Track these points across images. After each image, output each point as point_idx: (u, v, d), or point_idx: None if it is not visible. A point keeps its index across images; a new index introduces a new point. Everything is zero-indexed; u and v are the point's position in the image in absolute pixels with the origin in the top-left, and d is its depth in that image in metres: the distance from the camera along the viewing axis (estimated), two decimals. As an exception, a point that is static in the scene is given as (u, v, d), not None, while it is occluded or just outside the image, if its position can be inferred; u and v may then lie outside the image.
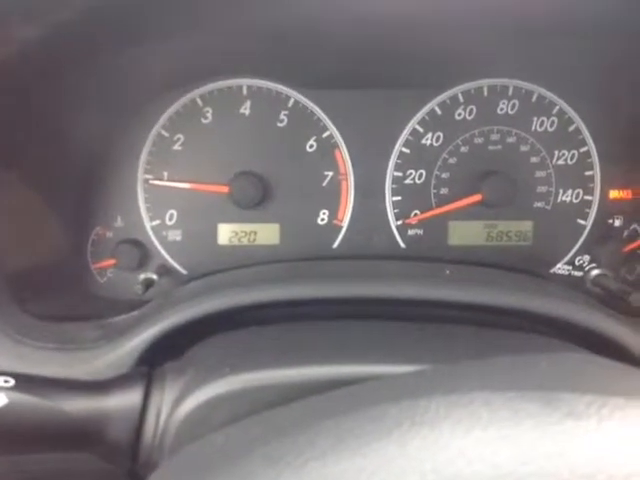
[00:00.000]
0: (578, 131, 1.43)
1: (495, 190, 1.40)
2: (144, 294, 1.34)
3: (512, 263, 1.44)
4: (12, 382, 0.81)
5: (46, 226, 1.29)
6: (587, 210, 1.46)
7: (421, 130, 1.44)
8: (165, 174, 1.43)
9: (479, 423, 0.44)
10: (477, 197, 1.41)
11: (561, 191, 1.45)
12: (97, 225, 1.43)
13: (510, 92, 1.43)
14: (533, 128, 1.43)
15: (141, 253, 1.42)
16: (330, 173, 1.45)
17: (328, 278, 1.08)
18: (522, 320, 0.96)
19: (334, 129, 1.43)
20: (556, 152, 1.44)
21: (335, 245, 1.47)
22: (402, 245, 1.47)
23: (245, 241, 1.46)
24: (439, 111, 1.44)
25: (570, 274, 1.47)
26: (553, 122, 1.43)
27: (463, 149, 1.44)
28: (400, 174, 1.45)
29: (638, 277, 1.46)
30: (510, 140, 1.43)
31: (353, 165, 1.45)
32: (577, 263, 1.47)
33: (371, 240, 1.47)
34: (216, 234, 1.45)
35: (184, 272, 1.46)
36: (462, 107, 1.43)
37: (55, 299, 1.24)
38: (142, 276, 1.42)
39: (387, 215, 1.46)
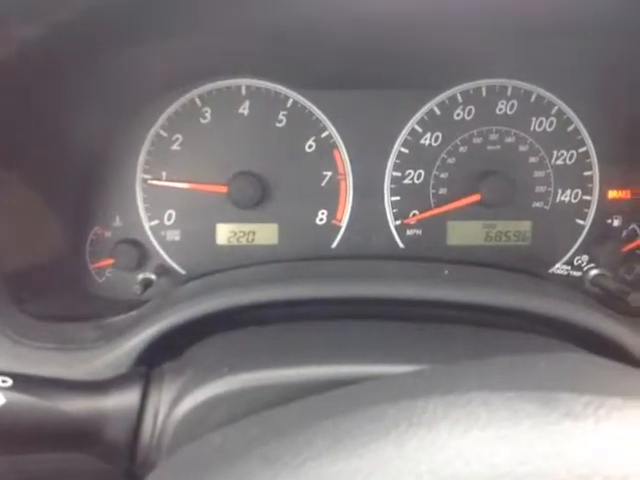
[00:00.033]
0: (577, 131, 1.43)
1: (494, 190, 1.40)
2: (142, 294, 1.34)
3: (511, 263, 1.44)
4: (10, 382, 0.81)
5: (45, 226, 1.29)
6: (586, 210, 1.46)
7: (420, 130, 1.44)
8: (164, 174, 1.43)
9: (477, 423, 0.43)
10: (476, 197, 1.41)
11: (560, 191, 1.45)
12: (96, 225, 1.43)
13: (509, 92, 1.43)
14: (532, 128, 1.43)
15: (140, 253, 1.42)
16: (329, 173, 1.45)
17: (327, 278, 1.08)
18: (521, 320, 0.96)
19: (333, 129, 1.43)
20: (555, 152, 1.44)
21: (334, 245, 1.47)
22: (401, 245, 1.47)
23: (244, 241, 1.46)
24: (438, 111, 1.44)
25: (569, 274, 1.47)
26: (552, 122, 1.43)
27: (462, 149, 1.44)
28: (399, 174, 1.45)
29: (637, 277, 1.46)
30: (509, 140, 1.43)
31: (352, 165, 1.45)
32: (576, 263, 1.47)
33: (370, 240, 1.47)
34: (215, 234, 1.45)
35: (183, 272, 1.46)
36: (461, 107, 1.43)
37: (54, 299, 1.24)
38: (141, 276, 1.43)
39: (386, 215, 1.46)
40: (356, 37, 1.14)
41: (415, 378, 0.55)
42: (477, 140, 1.43)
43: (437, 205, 1.45)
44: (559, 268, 1.47)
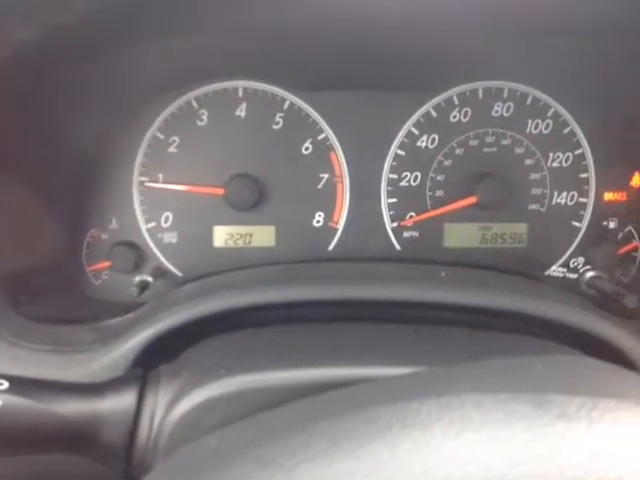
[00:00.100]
0: (573, 133, 1.44)
1: (490, 192, 1.40)
2: (139, 296, 1.34)
3: (507, 265, 1.44)
4: (6, 385, 0.81)
5: (41, 228, 1.29)
6: (582, 212, 1.46)
7: (416, 132, 1.44)
8: (160, 176, 1.43)
9: (471, 425, 0.44)
10: (472, 199, 1.41)
11: (556, 193, 1.45)
12: (92, 227, 1.43)
13: (505, 94, 1.43)
14: (528, 130, 1.44)
15: (136, 255, 1.42)
16: (325, 175, 1.45)
17: (324, 280, 1.08)
18: (517, 322, 0.97)
19: (329, 131, 1.43)
20: (551, 154, 1.44)
21: (331, 247, 1.47)
22: (397, 247, 1.47)
23: (241, 243, 1.46)
24: (434, 113, 1.44)
25: (565, 276, 1.47)
26: (548, 124, 1.43)
27: (458, 151, 1.44)
28: (395, 176, 1.45)
29: (633, 279, 1.46)
30: (505, 142, 1.44)
31: (348, 167, 1.45)
32: (572, 265, 1.47)
33: (366, 242, 1.47)
34: (212, 236, 1.45)
35: (179, 274, 1.46)
36: (457, 109, 1.44)
37: (50, 301, 1.24)
38: (137, 278, 1.42)
39: (382, 217, 1.46)
40: (352, 39, 1.14)
41: (409, 380, 0.55)
42: (473, 142, 1.44)
43: (434, 207, 1.45)
44: (555, 270, 1.47)
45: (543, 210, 1.45)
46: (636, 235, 1.46)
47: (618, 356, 0.92)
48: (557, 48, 1.22)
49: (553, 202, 1.45)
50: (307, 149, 1.44)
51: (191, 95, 1.41)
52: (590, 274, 1.45)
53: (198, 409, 0.73)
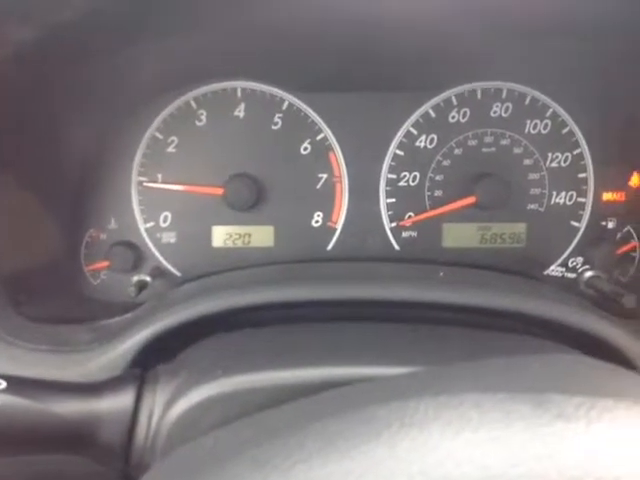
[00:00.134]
0: (571, 133, 1.44)
1: (489, 192, 1.40)
2: (137, 296, 1.34)
3: (506, 265, 1.44)
4: (4, 384, 0.81)
5: (40, 228, 1.29)
6: (580, 212, 1.46)
7: (415, 132, 1.44)
8: (159, 176, 1.43)
9: (469, 425, 0.44)
10: (471, 199, 1.41)
11: (554, 193, 1.45)
12: (91, 227, 1.43)
13: (504, 95, 1.43)
14: (526, 130, 1.44)
15: (135, 255, 1.42)
16: (324, 175, 1.45)
17: (322, 280, 1.08)
18: (516, 322, 0.96)
19: (328, 131, 1.43)
20: (549, 154, 1.44)
21: (329, 247, 1.47)
22: (396, 247, 1.47)
23: (239, 243, 1.46)
24: (433, 114, 1.44)
25: (563, 276, 1.47)
26: (546, 125, 1.43)
27: (457, 151, 1.44)
28: (394, 176, 1.45)
29: (631, 279, 1.46)
30: (504, 142, 1.44)
31: (347, 167, 1.45)
32: (570, 265, 1.47)
33: (365, 242, 1.47)
34: (210, 236, 1.45)
35: (178, 274, 1.46)
36: (456, 110, 1.44)
37: (49, 301, 1.24)
38: (136, 278, 1.42)
39: (381, 217, 1.46)
40: (351, 39, 1.14)
41: (407, 379, 0.55)
42: (472, 142, 1.44)
43: (432, 207, 1.45)
44: (554, 270, 1.47)
45: (542, 210, 1.45)
46: (635, 235, 1.46)
47: (617, 355, 0.92)
48: (556, 48, 1.22)
49: (552, 202, 1.45)
50: (306, 149, 1.44)
51: (190, 95, 1.41)
52: (589, 274, 1.45)
53: (196, 409, 0.73)
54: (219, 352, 0.84)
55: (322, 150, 1.44)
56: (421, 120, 1.44)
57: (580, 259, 1.47)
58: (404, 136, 1.44)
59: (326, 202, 1.46)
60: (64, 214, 1.36)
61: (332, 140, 1.44)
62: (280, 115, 1.43)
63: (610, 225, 1.47)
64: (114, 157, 1.42)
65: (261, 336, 0.88)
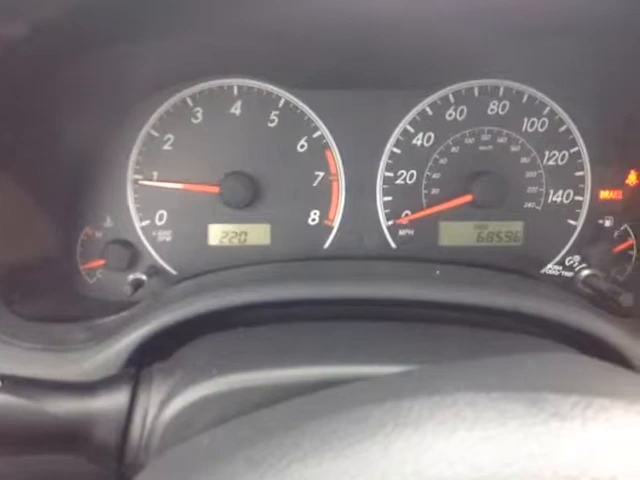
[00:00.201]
0: (568, 132, 1.44)
1: (486, 190, 1.40)
2: (133, 295, 1.33)
3: (503, 263, 1.44)
4: (-1, 383, 0.80)
5: (35, 226, 1.29)
6: (578, 210, 1.46)
7: (412, 130, 1.44)
8: (155, 174, 1.43)
9: (463, 424, 0.43)
10: (468, 197, 1.41)
11: (551, 191, 1.45)
12: (86, 225, 1.43)
13: (501, 93, 1.43)
14: (524, 129, 1.44)
15: (131, 254, 1.41)
16: (321, 173, 1.45)
17: (319, 279, 1.08)
18: (512, 321, 0.96)
19: (325, 129, 1.43)
20: (547, 153, 1.44)
21: (326, 245, 1.47)
22: (393, 245, 1.47)
23: (236, 242, 1.45)
24: (430, 111, 1.44)
25: (560, 274, 1.47)
26: (544, 123, 1.43)
27: (454, 149, 1.44)
28: (391, 174, 1.45)
29: (628, 277, 1.46)
30: (501, 140, 1.43)
31: (344, 165, 1.44)
32: (567, 263, 1.47)
33: (362, 240, 1.47)
34: (206, 234, 1.45)
35: (174, 273, 1.46)
36: (453, 107, 1.43)
37: (43, 300, 1.23)
38: (131, 277, 1.42)
39: (378, 215, 1.46)
40: (348, 37, 1.14)
41: (401, 378, 0.55)
42: (469, 140, 1.44)
43: (429, 205, 1.45)
44: (551, 268, 1.47)
45: (539, 208, 1.45)
46: (632, 233, 1.46)
47: (614, 354, 0.92)
48: (553, 46, 1.22)
49: (549, 200, 1.45)
50: (302, 147, 1.44)
51: (186, 93, 1.41)
52: (586, 272, 1.45)
53: (191, 408, 0.72)
54: (214, 351, 0.84)
55: (319, 148, 1.44)
56: (418, 118, 1.44)
57: (577, 257, 1.47)
58: (401, 134, 1.44)
59: (323, 200, 1.46)
60: (59, 212, 1.36)
61: (329, 138, 1.43)
62: (276, 113, 1.43)
63: (607, 223, 1.47)
64: (110, 155, 1.41)
65: (257, 335, 0.88)
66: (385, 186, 1.45)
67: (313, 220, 1.46)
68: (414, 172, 1.45)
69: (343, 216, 1.46)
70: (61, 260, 1.39)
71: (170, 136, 1.42)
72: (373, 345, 0.83)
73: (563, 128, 1.44)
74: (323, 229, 1.46)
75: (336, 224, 1.46)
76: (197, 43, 1.19)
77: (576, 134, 1.44)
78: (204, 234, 1.45)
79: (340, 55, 1.25)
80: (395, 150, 1.44)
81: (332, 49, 1.21)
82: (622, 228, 1.46)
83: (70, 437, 0.79)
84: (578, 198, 1.45)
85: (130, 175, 1.42)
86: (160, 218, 1.44)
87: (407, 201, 1.46)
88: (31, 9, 0.81)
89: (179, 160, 1.42)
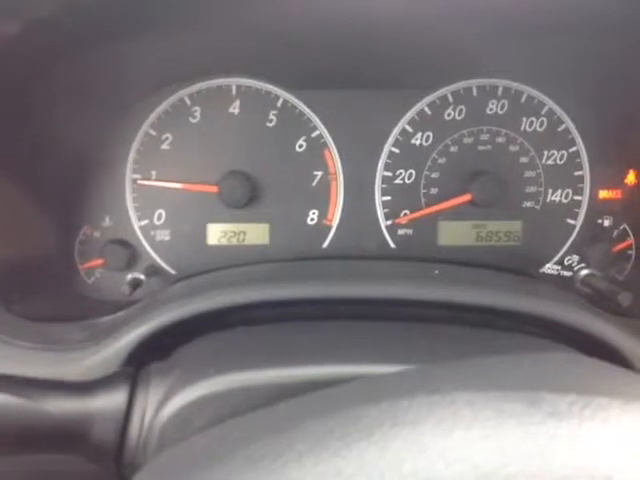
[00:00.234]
0: (567, 131, 1.44)
1: (484, 190, 1.40)
2: (132, 294, 1.33)
3: (501, 263, 1.44)
4: (-4, 383, 0.80)
5: (34, 226, 1.29)
6: (576, 210, 1.46)
7: (411, 130, 1.44)
8: (153, 173, 1.43)
9: (461, 423, 0.43)
10: (467, 197, 1.41)
11: (550, 191, 1.45)
12: (85, 225, 1.42)
13: (499, 92, 1.43)
14: (522, 128, 1.43)
15: (129, 253, 1.41)
16: (320, 173, 1.45)
17: (318, 278, 1.08)
18: (511, 320, 0.96)
19: (323, 129, 1.43)
20: (545, 152, 1.44)
21: (325, 245, 1.47)
22: (392, 245, 1.47)
23: (234, 241, 1.45)
24: (428, 111, 1.44)
25: (559, 274, 1.47)
26: (542, 122, 1.43)
27: (453, 149, 1.44)
28: (390, 174, 1.45)
29: (627, 277, 1.46)
30: (499, 140, 1.43)
31: (343, 165, 1.44)
32: (566, 263, 1.47)
33: (361, 240, 1.47)
34: (205, 234, 1.45)
35: (173, 272, 1.45)
36: (451, 107, 1.43)
37: (42, 299, 1.23)
38: (130, 276, 1.42)
39: (377, 215, 1.46)
40: (347, 37, 1.14)
41: (399, 378, 0.55)
42: (468, 140, 1.44)
43: (428, 205, 1.45)
44: (550, 268, 1.47)
45: (538, 208, 1.45)
46: (631, 233, 1.46)
47: (612, 354, 0.92)
48: (552, 46, 1.22)
49: (548, 200, 1.45)
50: (301, 147, 1.44)
51: (184, 92, 1.41)
52: (585, 272, 1.45)
53: (189, 408, 0.72)
54: (212, 351, 0.84)
55: (317, 147, 1.44)
56: (417, 118, 1.44)
57: (576, 257, 1.47)
58: (400, 134, 1.44)
59: (321, 200, 1.46)
60: (58, 211, 1.36)
61: (327, 137, 1.43)
62: (275, 112, 1.42)
63: (606, 223, 1.46)
64: (108, 154, 1.41)
65: (255, 335, 0.88)
66: (384, 186, 1.45)
67: (312, 220, 1.46)
68: (413, 172, 1.45)
69: (342, 216, 1.46)
70: (59, 260, 1.39)
71: (168, 135, 1.42)
72: (372, 345, 0.83)
73: (562, 127, 1.44)
74: (322, 229, 1.46)
75: (335, 224, 1.46)
76: (196, 42, 1.19)
77: (575, 133, 1.44)
78: (203, 234, 1.45)
79: (339, 55, 1.25)
80: (394, 150, 1.44)
81: (331, 49, 1.21)
82: (621, 228, 1.46)
83: (68, 436, 0.79)
84: (577, 198, 1.45)
85: (128, 174, 1.42)
86: (159, 217, 1.44)
87: (406, 201, 1.46)
88: (28, 7, 0.81)
89: (178, 159, 1.42)
